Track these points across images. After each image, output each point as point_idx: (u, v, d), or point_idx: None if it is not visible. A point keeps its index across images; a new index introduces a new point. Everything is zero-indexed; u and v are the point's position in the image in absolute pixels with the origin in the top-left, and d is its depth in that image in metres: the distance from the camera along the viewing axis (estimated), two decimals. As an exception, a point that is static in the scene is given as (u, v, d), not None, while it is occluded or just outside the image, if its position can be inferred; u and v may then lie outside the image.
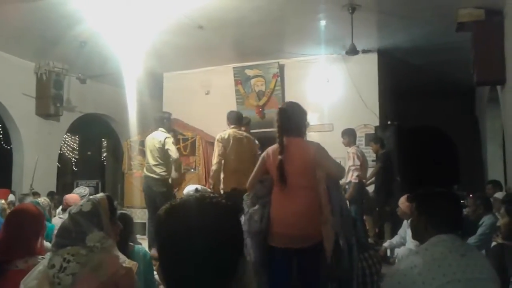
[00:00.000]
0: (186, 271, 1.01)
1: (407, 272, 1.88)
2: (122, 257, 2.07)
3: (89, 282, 1.89)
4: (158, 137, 5.87)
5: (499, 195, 5.06)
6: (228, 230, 1.05)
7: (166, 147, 5.75)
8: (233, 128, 5.54)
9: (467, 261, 1.89)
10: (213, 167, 5.39)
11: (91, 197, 2.18)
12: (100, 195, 2.20)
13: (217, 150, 5.37)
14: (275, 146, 3.30)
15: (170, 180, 5.89)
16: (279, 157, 3.16)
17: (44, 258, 2.19)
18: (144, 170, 6.06)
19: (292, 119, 3.31)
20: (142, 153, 8.29)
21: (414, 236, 2.22)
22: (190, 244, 1.01)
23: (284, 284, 3.11)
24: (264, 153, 3.41)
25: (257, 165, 3.43)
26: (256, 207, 3.25)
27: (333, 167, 3.29)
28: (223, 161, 5.32)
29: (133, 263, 2.08)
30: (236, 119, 5.64)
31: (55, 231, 4.07)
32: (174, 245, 1.03)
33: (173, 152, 5.74)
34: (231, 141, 5.38)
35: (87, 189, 5.88)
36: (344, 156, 6.95)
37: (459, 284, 1.83)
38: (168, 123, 6.10)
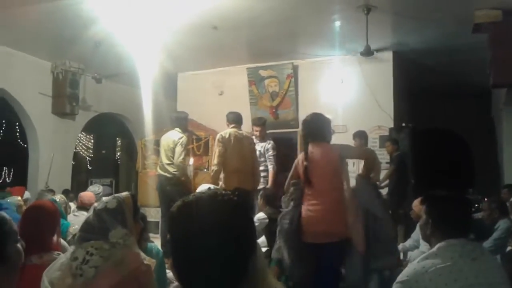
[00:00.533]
0: (198, 268, 1.01)
1: (419, 278, 1.87)
2: (142, 254, 2.11)
3: (111, 276, 1.92)
4: (173, 136, 5.90)
5: None
6: (240, 227, 1.06)
7: (175, 148, 5.78)
8: (233, 128, 5.56)
9: (479, 266, 1.87)
10: (214, 167, 5.43)
11: (116, 194, 2.24)
12: (125, 193, 2.26)
13: (217, 150, 5.41)
14: (303, 153, 3.76)
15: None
16: (304, 163, 3.60)
17: (59, 254, 2.23)
18: (158, 168, 6.11)
19: (314, 128, 3.73)
20: (157, 152, 8.34)
21: (423, 238, 2.21)
22: (202, 241, 1.01)
23: (311, 277, 3.46)
24: (296, 160, 3.87)
25: (291, 170, 3.87)
26: (289, 208, 3.70)
27: (358, 153, 4.14)
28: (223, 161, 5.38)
29: (152, 260, 2.12)
30: (236, 119, 5.69)
31: (71, 229, 4.15)
32: (187, 241, 1.03)
33: (177, 154, 5.76)
34: (232, 140, 5.41)
35: (101, 187, 5.96)
36: (357, 157, 6.92)
37: None
38: (184, 123, 6.12)
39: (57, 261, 2.04)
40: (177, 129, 5.98)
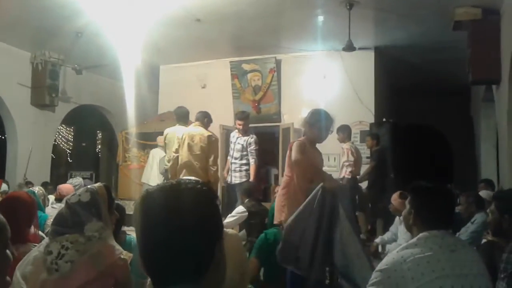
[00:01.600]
0: (164, 256, 1.01)
1: (397, 267, 1.90)
2: (119, 248, 2.08)
3: (87, 270, 1.89)
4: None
5: (483, 193, 5.09)
6: (205, 214, 1.05)
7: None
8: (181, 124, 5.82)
9: (457, 257, 1.90)
10: (169, 163, 5.62)
11: (89, 186, 2.18)
12: (97, 184, 2.20)
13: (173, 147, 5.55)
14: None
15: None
16: None
17: (36, 245, 2.19)
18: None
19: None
20: (137, 145, 8.30)
21: (406, 228, 2.24)
22: (166, 228, 1.01)
23: None
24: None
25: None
26: None
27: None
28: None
29: (129, 254, 2.09)
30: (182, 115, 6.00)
31: (48, 221, 4.09)
32: (151, 230, 1.03)
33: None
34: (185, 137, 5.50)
35: (81, 179, 5.87)
36: (339, 152, 6.98)
37: (448, 280, 1.84)
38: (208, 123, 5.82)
39: (29, 255, 2.00)
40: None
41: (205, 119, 5.72)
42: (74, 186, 4.90)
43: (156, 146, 7.68)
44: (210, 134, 5.61)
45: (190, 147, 5.43)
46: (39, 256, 1.94)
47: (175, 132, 5.70)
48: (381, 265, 1.99)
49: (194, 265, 1.02)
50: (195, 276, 1.01)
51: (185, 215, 1.02)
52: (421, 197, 2.13)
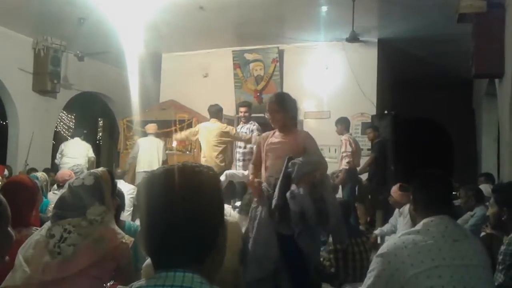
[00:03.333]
0: (166, 239, 0.99)
1: (398, 253, 1.90)
2: (120, 232, 2.09)
3: (90, 254, 1.90)
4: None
5: (483, 187, 5.11)
6: (210, 199, 1.04)
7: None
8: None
9: (459, 247, 1.90)
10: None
11: (92, 171, 2.19)
12: (101, 169, 2.20)
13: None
14: None
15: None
16: None
17: (38, 229, 2.20)
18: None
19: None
20: (138, 133, 8.31)
21: (412, 222, 2.24)
22: (171, 211, 0.99)
23: None
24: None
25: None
26: None
27: None
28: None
29: (130, 239, 2.10)
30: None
31: (50, 207, 4.11)
32: (155, 211, 1.01)
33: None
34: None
35: (82, 165, 5.89)
36: (339, 143, 6.99)
37: (447, 270, 1.84)
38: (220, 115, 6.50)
39: (31, 238, 2.00)
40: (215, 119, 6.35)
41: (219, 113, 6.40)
42: (75, 172, 4.92)
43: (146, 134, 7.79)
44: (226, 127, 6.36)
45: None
46: (41, 240, 1.94)
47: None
48: (382, 248, 1.99)
49: (196, 250, 1.01)
50: (196, 261, 1.00)
51: (192, 198, 1.00)
52: (418, 182, 2.15)
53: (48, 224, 2.02)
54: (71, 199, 2.01)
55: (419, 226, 1.99)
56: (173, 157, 7.74)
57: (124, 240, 2.05)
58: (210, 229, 1.02)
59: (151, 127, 7.79)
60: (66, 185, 2.12)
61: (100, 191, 2.06)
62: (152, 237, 1.02)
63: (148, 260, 2.47)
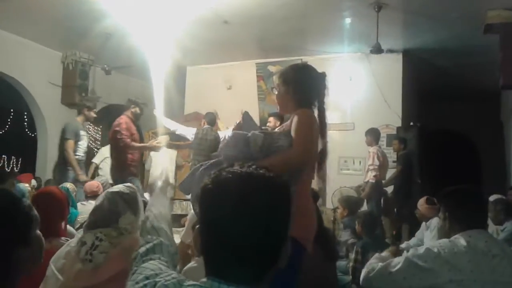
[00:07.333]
0: (227, 250, 0.92)
1: (436, 255, 1.88)
2: None
3: (119, 262, 1.94)
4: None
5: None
6: (279, 211, 0.94)
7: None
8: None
9: (499, 263, 1.86)
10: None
11: (128, 184, 2.28)
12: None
13: None
14: None
15: None
16: None
17: (68, 240, 2.25)
18: None
19: None
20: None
21: (445, 237, 2.19)
22: (235, 221, 0.91)
23: None
24: None
25: None
26: None
27: None
28: None
29: None
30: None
31: (79, 218, 4.18)
32: (218, 219, 0.93)
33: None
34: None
35: (107, 177, 5.99)
36: (364, 155, 6.93)
37: (485, 285, 1.81)
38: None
39: (63, 249, 2.05)
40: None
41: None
42: (102, 183, 5.01)
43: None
44: None
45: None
46: (71, 251, 1.99)
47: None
48: (419, 249, 1.97)
49: (256, 266, 0.92)
50: (254, 279, 0.92)
51: (258, 209, 0.91)
52: (455, 199, 2.11)
53: (78, 236, 2.07)
54: (107, 205, 2.08)
55: (458, 235, 1.95)
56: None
57: None
58: (275, 245, 0.94)
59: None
60: (103, 194, 2.18)
61: (134, 200, 2.12)
62: (210, 243, 0.94)
63: (190, 265, 2.50)
